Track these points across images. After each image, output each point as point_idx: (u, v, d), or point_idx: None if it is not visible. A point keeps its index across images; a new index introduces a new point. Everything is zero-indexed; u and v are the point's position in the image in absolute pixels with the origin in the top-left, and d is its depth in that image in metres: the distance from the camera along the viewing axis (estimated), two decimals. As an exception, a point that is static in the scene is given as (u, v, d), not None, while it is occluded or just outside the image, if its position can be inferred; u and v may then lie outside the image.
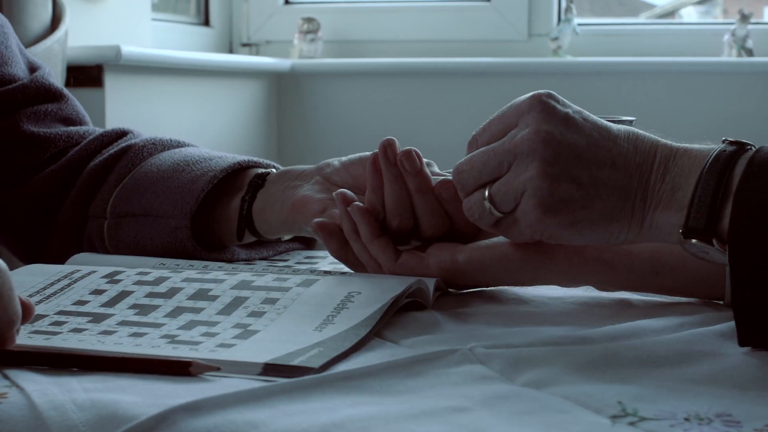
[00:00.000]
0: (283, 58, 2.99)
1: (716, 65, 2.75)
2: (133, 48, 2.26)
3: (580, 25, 2.93)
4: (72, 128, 1.07)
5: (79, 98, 1.13)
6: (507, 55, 2.97)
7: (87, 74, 2.21)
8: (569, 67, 2.85)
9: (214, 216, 0.96)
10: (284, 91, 3.02)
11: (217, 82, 2.73)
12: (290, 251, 1.04)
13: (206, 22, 3.11)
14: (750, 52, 2.78)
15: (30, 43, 1.99)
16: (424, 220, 0.81)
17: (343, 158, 0.92)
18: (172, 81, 2.53)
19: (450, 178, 0.82)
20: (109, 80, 2.24)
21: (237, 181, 0.97)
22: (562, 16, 2.93)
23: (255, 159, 0.98)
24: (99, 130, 1.07)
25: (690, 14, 3.56)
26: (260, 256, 1.00)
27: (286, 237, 0.99)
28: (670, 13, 3.56)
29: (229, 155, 0.98)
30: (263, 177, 0.96)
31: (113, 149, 1.02)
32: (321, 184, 0.90)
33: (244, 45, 3.17)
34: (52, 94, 1.07)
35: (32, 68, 1.09)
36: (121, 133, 1.06)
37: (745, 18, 2.79)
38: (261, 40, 3.17)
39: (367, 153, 0.88)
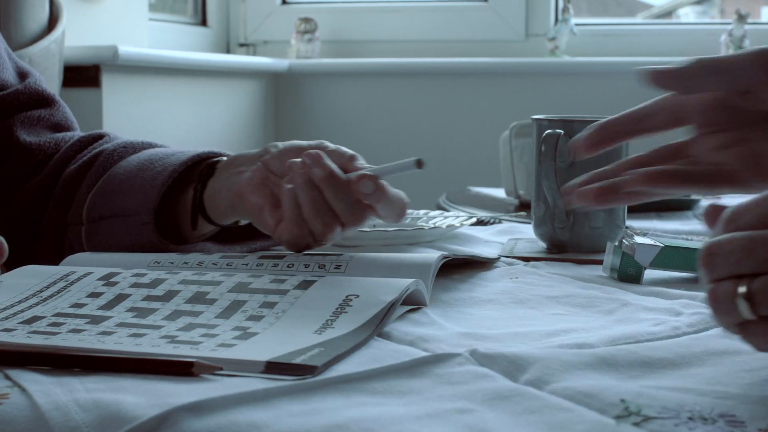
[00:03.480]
0: (281, 58, 2.99)
1: (713, 65, 2.75)
2: (130, 48, 2.26)
3: (577, 25, 2.93)
4: (58, 135, 1.09)
5: (76, 98, 1.14)
6: (504, 55, 2.97)
7: (84, 74, 2.21)
8: (566, 67, 2.85)
9: (176, 210, 0.98)
10: (281, 91, 3.02)
11: (215, 82, 2.73)
12: (264, 249, 1.04)
13: (203, 22, 3.11)
14: (747, 52, 2.78)
15: (27, 43, 1.99)
16: (339, 209, 0.84)
17: (281, 145, 0.92)
18: (169, 81, 2.53)
19: (367, 172, 0.84)
20: (106, 80, 2.24)
21: (195, 174, 0.98)
22: (560, 16, 2.93)
23: (216, 150, 1.00)
24: (77, 135, 1.09)
25: (687, 14, 3.56)
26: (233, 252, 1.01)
27: (242, 222, 1.00)
28: (668, 13, 3.57)
29: (191, 149, 1.00)
30: (213, 166, 0.97)
31: (87, 155, 1.04)
32: (261, 171, 0.91)
33: (242, 45, 3.17)
34: (45, 100, 1.09)
35: (21, 73, 1.11)
36: (97, 137, 1.08)
37: (742, 18, 2.79)
38: (258, 40, 3.17)
39: (303, 142, 0.91)
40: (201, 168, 0.98)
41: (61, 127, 1.10)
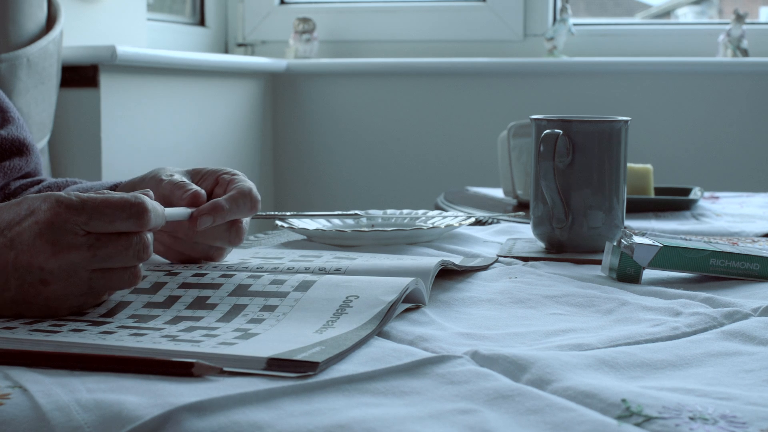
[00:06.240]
0: (279, 58, 2.99)
1: (711, 65, 2.75)
2: (128, 48, 2.26)
3: (575, 25, 2.93)
4: (17, 183, 1.11)
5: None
6: (502, 55, 2.97)
7: (82, 74, 2.21)
8: (565, 67, 2.85)
9: None
10: (280, 91, 3.02)
11: (213, 82, 2.73)
12: None
13: (201, 22, 3.11)
14: (745, 52, 2.78)
15: (25, 43, 1.98)
16: (219, 243, 0.88)
17: (148, 179, 0.92)
18: (167, 81, 2.53)
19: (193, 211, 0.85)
20: (105, 80, 2.24)
21: None
22: (558, 16, 2.93)
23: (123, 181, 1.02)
24: (19, 183, 1.12)
25: (685, 14, 3.56)
26: None
27: None
28: (666, 13, 3.57)
29: (107, 182, 1.02)
30: None
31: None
32: None
33: (240, 45, 3.17)
34: (25, 147, 1.12)
35: (1, 109, 1.12)
36: (36, 182, 1.11)
37: (740, 18, 2.79)
38: (256, 40, 3.17)
39: (164, 178, 0.89)
40: None
41: (29, 175, 1.13)
